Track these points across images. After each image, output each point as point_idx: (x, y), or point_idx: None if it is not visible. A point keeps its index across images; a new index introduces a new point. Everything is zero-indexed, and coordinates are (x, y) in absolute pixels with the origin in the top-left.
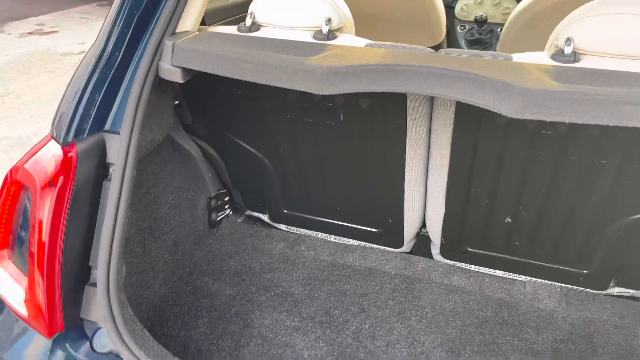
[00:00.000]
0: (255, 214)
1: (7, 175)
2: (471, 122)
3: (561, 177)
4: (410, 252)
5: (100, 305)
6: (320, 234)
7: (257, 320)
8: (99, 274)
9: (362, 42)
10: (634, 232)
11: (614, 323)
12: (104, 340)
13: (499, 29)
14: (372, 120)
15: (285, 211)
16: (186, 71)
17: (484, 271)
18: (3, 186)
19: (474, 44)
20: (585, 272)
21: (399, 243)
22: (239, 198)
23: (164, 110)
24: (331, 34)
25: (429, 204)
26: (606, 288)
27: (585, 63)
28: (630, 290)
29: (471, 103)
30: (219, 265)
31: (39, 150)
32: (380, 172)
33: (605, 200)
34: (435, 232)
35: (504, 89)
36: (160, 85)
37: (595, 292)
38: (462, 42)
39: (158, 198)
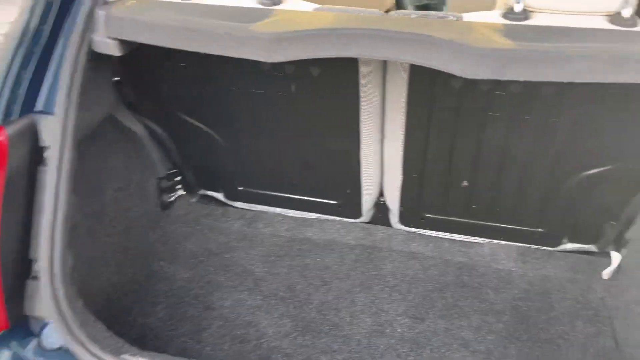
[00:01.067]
0: (210, 192)
1: None
2: (425, 86)
3: (516, 137)
4: (369, 222)
5: (45, 300)
6: (277, 210)
7: (217, 302)
8: (41, 266)
9: (310, 6)
10: (586, 188)
11: (569, 278)
12: (53, 336)
13: None
14: (324, 89)
15: (241, 188)
16: (124, 43)
17: (442, 236)
18: None
19: (422, 8)
20: (540, 230)
21: (357, 213)
22: (191, 177)
23: (102, 86)
24: None
25: (386, 172)
26: (560, 244)
27: (535, 20)
28: (583, 245)
29: (425, 65)
30: (175, 247)
31: None
32: (335, 142)
33: (560, 159)
34: (393, 200)
35: (458, 49)
36: (96, 59)
37: (550, 249)
38: (410, 8)
39: (103, 182)
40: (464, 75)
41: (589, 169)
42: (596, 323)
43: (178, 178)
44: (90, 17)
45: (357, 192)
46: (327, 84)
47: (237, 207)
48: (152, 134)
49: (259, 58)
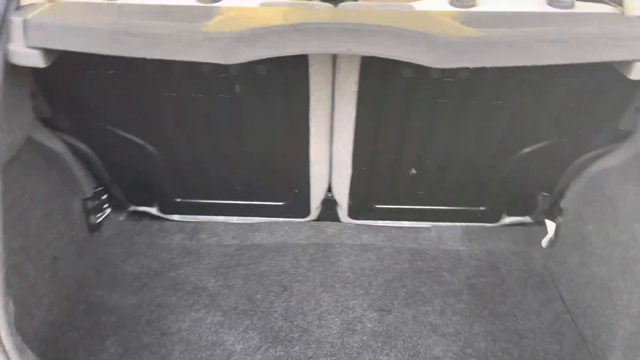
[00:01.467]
0: (141, 208)
1: None
2: (376, 78)
3: (462, 122)
4: (317, 220)
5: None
6: (220, 218)
7: (174, 325)
8: None
9: (253, 1)
10: (522, 164)
11: (511, 250)
12: None
13: None
14: (272, 87)
15: (179, 200)
16: (48, 52)
17: (391, 225)
18: None
19: None
20: (482, 208)
21: (305, 212)
22: (119, 194)
23: (22, 103)
24: None
25: (335, 168)
26: (499, 219)
27: (483, 6)
28: (520, 218)
29: (391, 57)
30: (112, 273)
31: None
32: (282, 142)
33: (501, 139)
34: (342, 194)
35: (425, 40)
36: (12, 72)
37: (491, 225)
38: None
39: (25, 212)
40: (434, 65)
41: (528, 146)
42: (544, 290)
43: (104, 196)
44: (3, 25)
45: (305, 191)
46: (274, 83)
47: (174, 220)
48: (74, 150)
49: (215, 60)
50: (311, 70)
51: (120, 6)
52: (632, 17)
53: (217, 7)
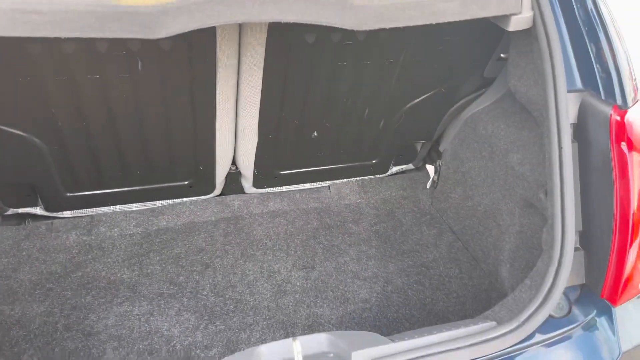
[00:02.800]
0: (21, 210)
1: None
2: (282, 45)
3: (359, 82)
4: (221, 194)
5: None
6: (117, 207)
7: (98, 324)
8: None
9: None
10: (408, 117)
11: (401, 195)
12: None
13: None
14: (177, 63)
15: (69, 194)
16: None
17: (293, 189)
18: None
19: None
20: (374, 161)
21: (210, 189)
22: None
23: None
24: None
25: (240, 140)
26: (388, 170)
27: None
28: (403, 166)
29: (314, 23)
30: (6, 284)
31: None
32: (188, 118)
33: (392, 94)
34: (247, 166)
35: (341, 4)
36: None
37: (381, 176)
38: None
39: None
40: (355, 29)
41: (415, 99)
42: (435, 225)
43: None
44: None
45: (211, 167)
46: (179, 58)
47: (64, 217)
48: None
49: (142, 36)
50: (218, 41)
51: None
52: None
53: None
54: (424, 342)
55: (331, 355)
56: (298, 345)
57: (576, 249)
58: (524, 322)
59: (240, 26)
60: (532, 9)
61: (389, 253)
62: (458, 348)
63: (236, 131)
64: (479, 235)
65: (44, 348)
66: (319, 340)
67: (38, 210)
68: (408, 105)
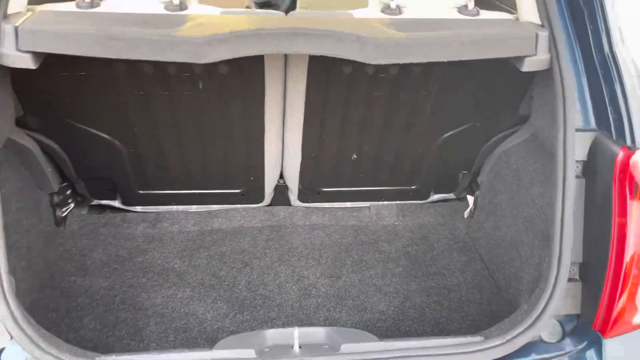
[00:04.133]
0: (103, 202)
1: None
2: (321, 75)
3: (393, 112)
4: (270, 205)
5: (8, 322)
6: (180, 207)
7: (147, 302)
8: None
9: (215, 10)
10: (445, 147)
11: (439, 222)
12: (13, 356)
13: None
14: (232, 84)
15: (141, 192)
16: (36, 55)
17: (336, 206)
18: None
19: (263, 6)
20: (413, 187)
21: (260, 198)
22: (83, 189)
23: (6, 99)
24: (183, 4)
25: (286, 156)
26: (428, 197)
27: (407, 14)
28: (445, 195)
29: (336, 56)
30: (81, 261)
31: None
32: (241, 133)
33: (427, 125)
34: (292, 180)
35: (362, 41)
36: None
37: (421, 202)
38: (253, 6)
39: (3, 204)
40: (371, 62)
41: (448, 131)
42: (466, 252)
43: (69, 192)
44: None
45: (260, 179)
46: (234, 80)
47: (136, 212)
48: (44, 148)
49: (190, 60)
50: (266, 69)
51: (101, 14)
52: (524, 22)
53: (186, 15)
54: (406, 345)
55: (326, 346)
56: (297, 334)
57: (575, 280)
58: (508, 341)
59: (286, 56)
60: (549, 51)
61: (414, 273)
62: (438, 355)
63: (283, 148)
64: (503, 265)
65: (101, 315)
66: (317, 333)
67: (116, 203)
68: (444, 136)
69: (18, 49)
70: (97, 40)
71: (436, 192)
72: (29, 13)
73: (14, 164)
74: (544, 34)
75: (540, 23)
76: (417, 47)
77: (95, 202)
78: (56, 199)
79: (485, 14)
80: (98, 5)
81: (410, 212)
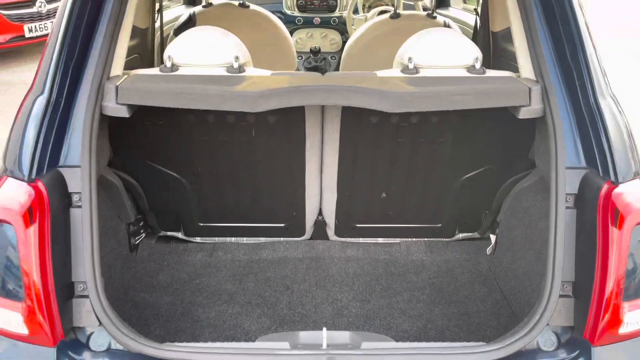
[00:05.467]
0: (169, 233)
1: None
2: (352, 124)
3: (416, 155)
4: (310, 238)
5: (96, 311)
6: (233, 239)
7: (203, 315)
8: (89, 285)
9: (266, 72)
10: (466, 189)
11: (464, 258)
12: (101, 340)
13: (329, 57)
14: (278, 132)
15: (201, 224)
16: (130, 107)
17: (369, 241)
18: None
19: (312, 70)
20: (439, 225)
21: (301, 232)
22: (153, 221)
23: (104, 144)
24: (241, 68)
25: (324, 194)
26: (454, 235)
27: (423, 73)
28: (470, 234)
29: (362, 107)
30: (149, 281)
31: (1, 188)
32: (285, 174)
33: (447, 167)
34: (330, 216)
35: (382, 94)
36: (100, 122)
37: (448, 239)
38: (302, 70)
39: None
40: (389, 111)
41: (467, 173)
42: (487, 285)
43: (142, 223)
44: (100, 89)
45: (301, 214)
46: (280, 128)
47: (196, 242)
48: (126, 184)
49: (247, 109)
50: (307, 119)
51: (178, 76)
52: (523, 78)
53: (244, 76)
54: (418, 345)
55: (350, 346)
56: (326, 336)
57: (568, 296)
58: (505, 346)
59: (323, 108)
60: (542, 101)
61: (438, 301)
62: (445, 354)
63: (321, 187)
64: (518, 294)
65: (164, 324)
66: (343, 335)
67: (179, 235)
68: (462, 178)
69: (117, 102)
70: (175, 94)
71: (461, 231)
72: (125, 76)
73: (103, 196)
74: (537, 88)
75: (535, 79)
76: (427, 99)
77: (162, 233)
78: (132, 228)
79: (491, 73)
80: (177, 69)
81: (437, 248)
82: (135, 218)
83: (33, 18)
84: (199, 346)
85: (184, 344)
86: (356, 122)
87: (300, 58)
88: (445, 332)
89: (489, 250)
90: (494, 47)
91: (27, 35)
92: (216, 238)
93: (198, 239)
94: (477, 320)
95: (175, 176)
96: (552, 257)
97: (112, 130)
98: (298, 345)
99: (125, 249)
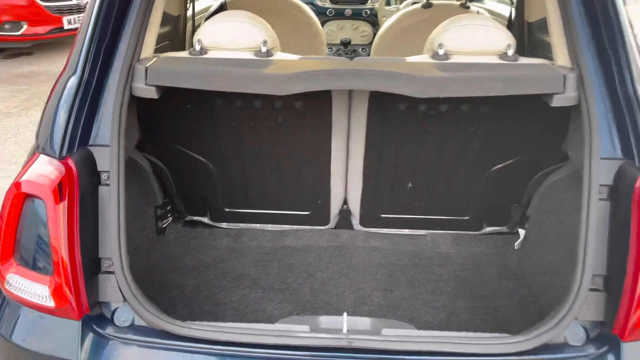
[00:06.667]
0: (195, 218)
1: (9, 190)
2: (380, 111)
3: (444, 144)
4: (335, 228)
5: (120, 287)
6: (258, 225)
7: (226, 298)
8: (114, 261)
9: (294, 57)
10: (495, 180)
11: (491, 252)
12: (125, 316)
13: (360, 49)
14: (305, 118)
15: (227, 209)
16: (158, 88)
17: (394, 232)
18: (6, 201)
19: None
20: (466, 218)
21: (326, 221)
22: (180, 205)
23: (133, 125)
24: (269, 52)
25: (349, 183)
26: (482, 228)
27: (454, 59)
28: (498, 227)
29: (389, 91)
30: (175, 264)
31: (31, 165)
32: (310, 160)
33: (475, 158)
34: (355, 205)
35: (409, 78)
36: (131, 103)
37: (475, 233)
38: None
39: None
40: (417, 96)
41: (497, 164)
42: (515, 280)
43: (169, 207)
44: (130, 70)
45: (326, 202)
46: (307, 114)
47: (222, 227)
48: (154, 167)
49: (274, 92)
50: (333, 105)
51: (206, 59)
52: (557, 66)
53: (271, 60)
54: (440, 334)
55: (370, 331)
56: (346, 321)
57: (599, 290)
58: (531, 339)
59: (350, 94)
60: (577, 89)
61: (463, 293)
62: (469, 344)
63: (347, 176)
64: (548, 291)
65: (189, 305)
66: (364, 322)
67: (205, 220)
68: (492, 169)
69: (146, 84)
70: (201, 76)
71: (489, 225)
72: (155, 58)
73: (132, 179)
74: (572, 75)
75: (570, 66)
76: (456, 84)
77: (189, 218)
78: (159, 211)
79: (524, 60)
80: (205, 53)
81: (464, 241)
82: (163, 202)
83: (72, 10)
84: (220, 325)
85: (206, 322)
86: (384, 109)
87: (330, 50)
88: (469, 325)
89: (517, 244)
90: (528, 38)
91: (66, 27)
92: (242, 224)
93: (224, 225)
94: (502, 314)
95: (202, 160)
96: (583, 248)
97: (141, 113)
98: (318, 329)
99: (152, 231)
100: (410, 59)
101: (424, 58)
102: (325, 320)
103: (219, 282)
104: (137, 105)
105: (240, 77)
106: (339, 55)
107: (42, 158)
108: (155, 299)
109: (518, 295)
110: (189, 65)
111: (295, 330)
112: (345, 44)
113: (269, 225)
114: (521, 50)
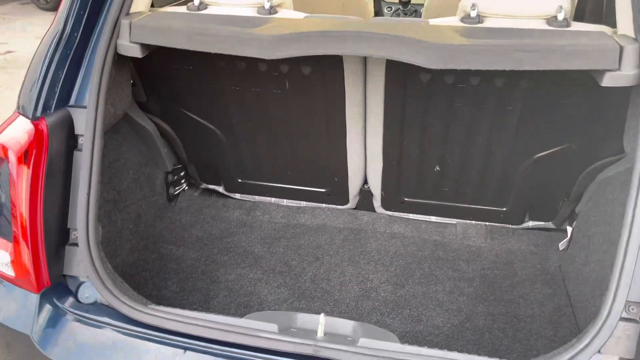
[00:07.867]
0: (210, 186)
1: None
2: (399, 81)
3: (476, 124)
4: (355, 208)
5: (83, 261)
6: (273, 199)
7: (222, 277)
8: (79, 233)
9: (301, 15)
10: (539, 169)
11: (530, 250)
12: (88, 292)
13: (421, 8)
14: (314, 86)
15: (240, 180)
16: (144, 47)
17: (420, 218)
18: None
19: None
20: (504, 209)
21: (344, 200)
22: (194, 172)
23: (123, 86)
24: (272, 9)
25: (368, 160)
26: (522, 222)
27: (487, 23)
28: (542, 223)
29: (395, 59)
30: (181, 234)
31: (8, 125)
32: (324, 134)
33: (514, 142)
34: (375, 186)
35: (421, 45)
36: (118, 61)
37: (514, 226)
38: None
39: (119, 172)
40: (427, 66)
41: (539, 152)
42: (552, 285)
43: (182, 173)
44: (115, 25)
45: (344, 180)
46: (316, 82)
47: (236, 199)
48: (161, 131)
49: (260, 56)
50: (346, 74)
51: (199, 15)
52: (617, 35)
53: (271, 17)
54: (419, 352)
55: (349, 339)
56: (324, 322)
57: (634, 321)
58: None
59: (365, 60)
60: (638, 66)
61: (485, 296)
62: None
63: (365, 153)
64: (586, 303)
65: (183, 281)
66: (343, 325)
67: (220, 189)
68: (535, 156)
69: (131, 41)
70: (185, 35)
71: (532, 219)
72: (146, 13)
73: (134, 141)
74: (632, 47)
75: (634, 36)
76: (475, 54)
77: (204, 186)
78: (170, 177)
79: (578, 26)
80: (205, 8)
81: (500, 235)
82: (174, 167)
83: None
84: (184, 315)
85: (168, 309)
86: (403, 79)
87: (389, 9)
88: (484, 335)
89: (562, 245)
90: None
91: None
92: (256, 197)
93: (238, 196)
94: (527, 326)
95: (209, 126)
96: (620, 267)
97: (143, 72)
98: (288, 330)
99: (162, 197)
100: (436, 21)
101: (452, 21)
102: (301, 319)
103: (221, 258)
104: (140, 63)
105: (226, 37)
106: (397, 15)
107: (18, 119)
108: (150, 271)
109: (552, 304)
110: (177, 23)
111: (260, 329)
112: (405, 2)
113: (285, 200)
114: (580, 15)
